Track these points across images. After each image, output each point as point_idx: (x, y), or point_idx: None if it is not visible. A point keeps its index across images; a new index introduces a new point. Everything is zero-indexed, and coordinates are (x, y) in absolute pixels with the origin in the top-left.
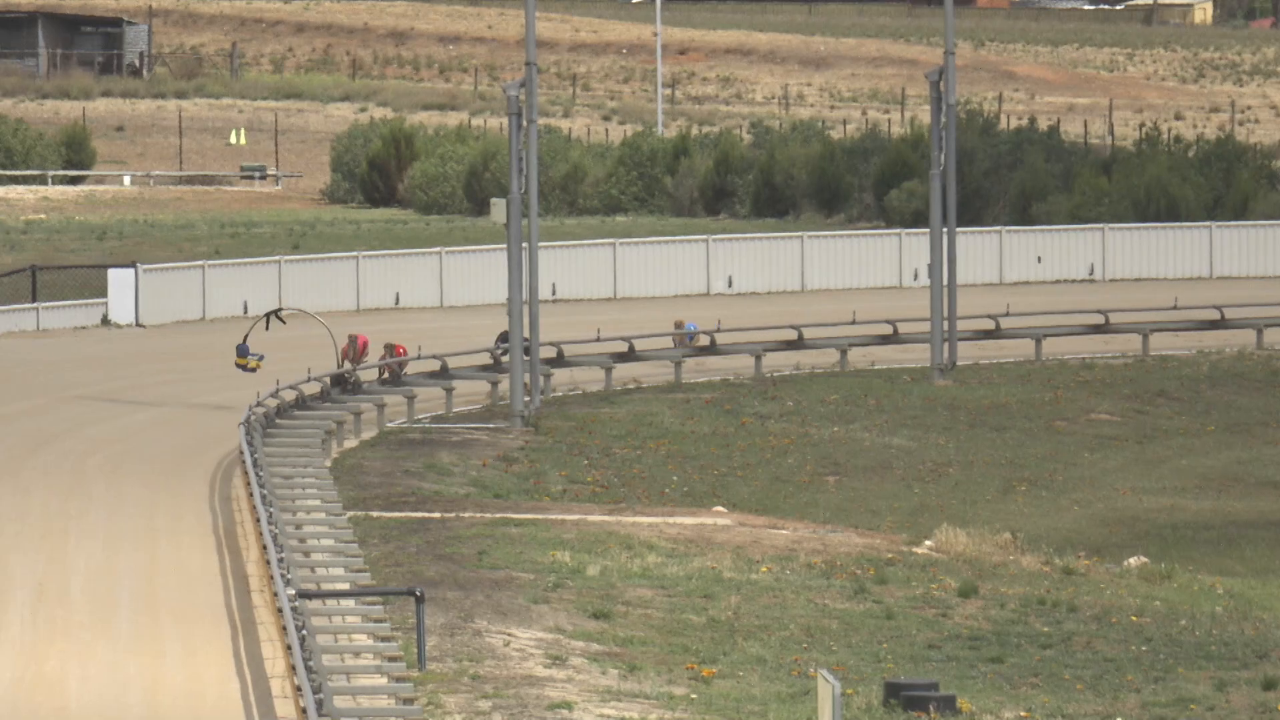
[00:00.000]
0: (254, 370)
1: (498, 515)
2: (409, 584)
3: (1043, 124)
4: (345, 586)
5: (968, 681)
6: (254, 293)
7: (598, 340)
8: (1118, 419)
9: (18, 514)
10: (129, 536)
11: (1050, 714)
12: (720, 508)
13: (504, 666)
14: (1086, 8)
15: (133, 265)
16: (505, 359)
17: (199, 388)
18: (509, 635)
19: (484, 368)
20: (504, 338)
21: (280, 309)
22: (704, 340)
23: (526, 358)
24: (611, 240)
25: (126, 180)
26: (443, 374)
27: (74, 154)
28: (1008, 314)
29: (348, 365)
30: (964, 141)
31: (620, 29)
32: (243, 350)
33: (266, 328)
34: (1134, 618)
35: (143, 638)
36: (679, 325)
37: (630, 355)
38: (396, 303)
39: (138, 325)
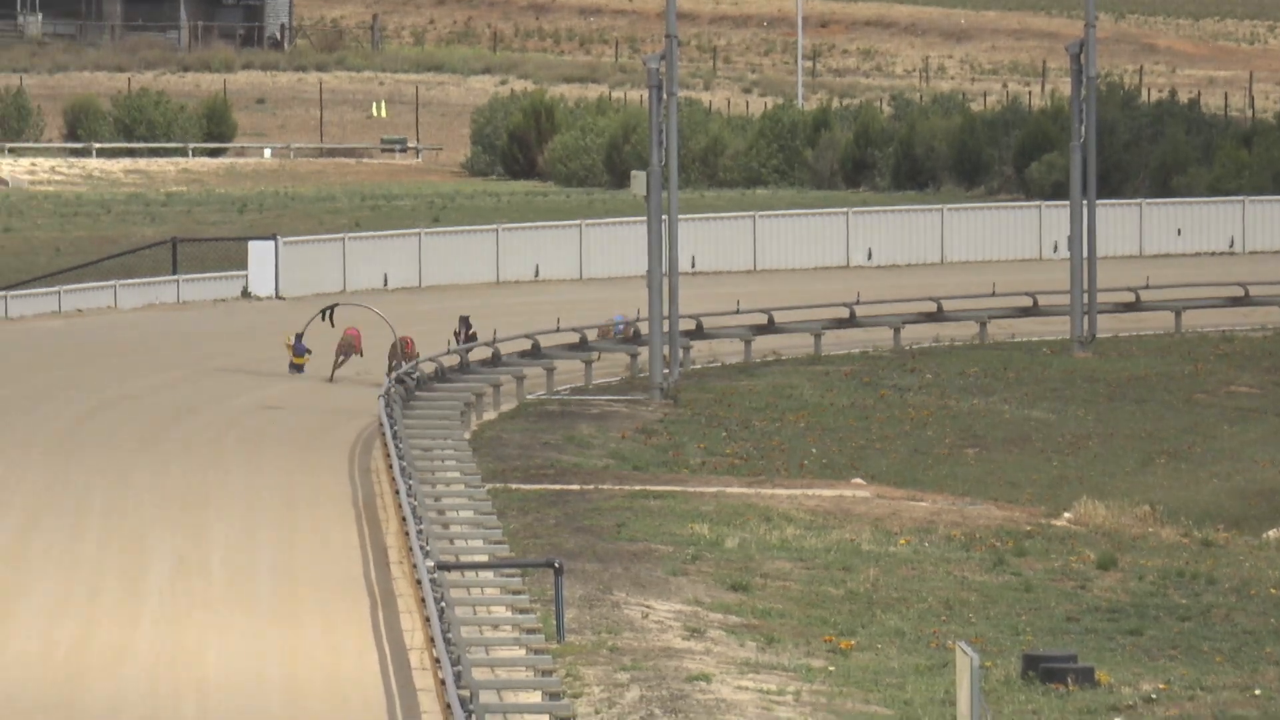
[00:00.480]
0: (299, 368)
1: (636, 487)
2: (548, 556)
3: (1183, 96)
4: (484, 558)
5: (1106, 654)
6: (394, 265)
7: (737, 312)
8: (1258, 391)
9: (157, 486)
10: (268, 508)
11: (1189, 686)
12: (859, 480)
13: (642, 638)
14: None
15: (273, 238)
16: (453, 343)
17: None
18: (647, 607)
19: (624, 340)
20: (466, 322)
21: (335, 305)
22: (631, 333)
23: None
24: (751, 213)
25: (267, 153)
26: (581, 346)
27: (215, 126)
28: (1147, 286)
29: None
30: (1104, 114)
31: (761, 1)
32: (299, 349)
33: (328, 321)
34: (1273, 590)
35: (281, 610)
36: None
37: (769, 327)
38: (536, 275)
39: (278, 298)
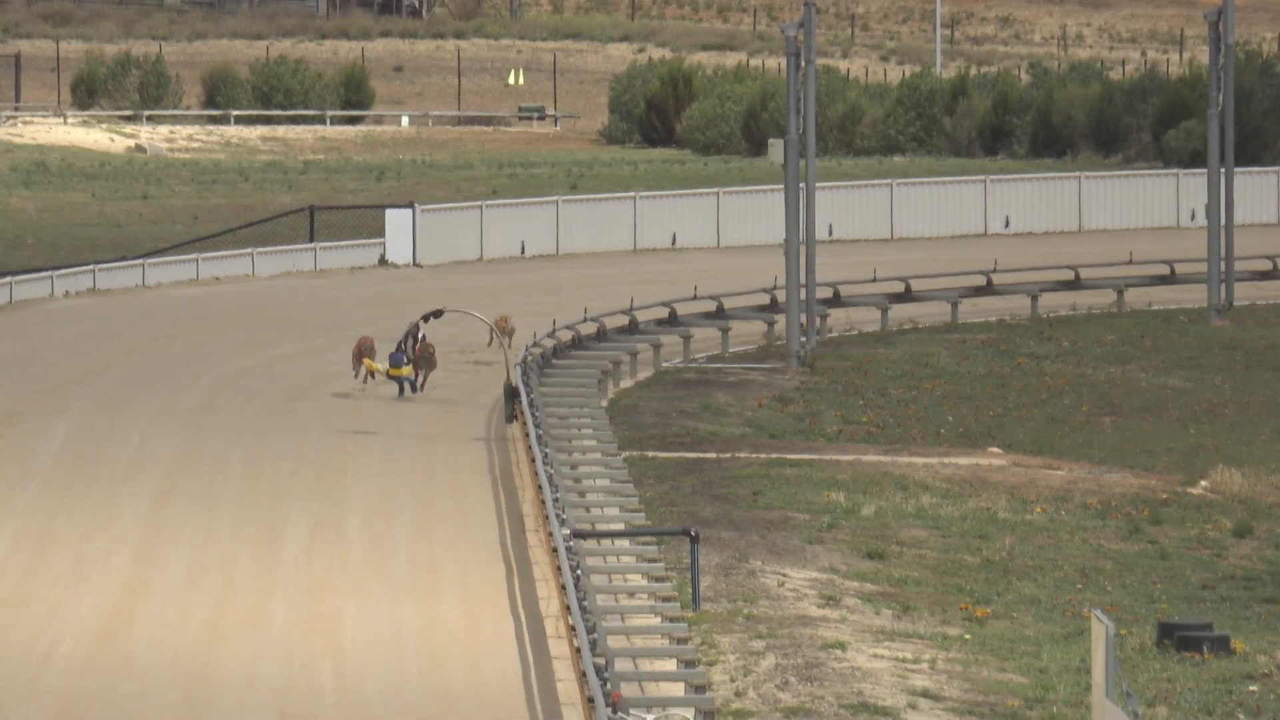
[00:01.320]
0: (400, 381)
1: (773, 455)
2: (684, 524)
3: None
4: (620, 526)
5: (1242, 622)
6: (531, 233)
7: (874, 281)
8: None
9: (295, 453)
10: (405, 475)
11: None
12: (995, 448)
13: (778, 607)
14: None
15: (410, 205)
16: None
17: (475, 327)
18: (783, 575)
19: (760, 308)
20: (435, 315)
21: (440, 310)
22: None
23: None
24: (888, 180)
25: (404, 121)
26: (719, 314)
27: (352, 94)
28: None
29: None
30: (1242, 81)
31: None
32: (397, 360)
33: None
34: None
35: (418, 577)
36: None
37: (906, 295)
38: (673, 243)
39: (415, 265)
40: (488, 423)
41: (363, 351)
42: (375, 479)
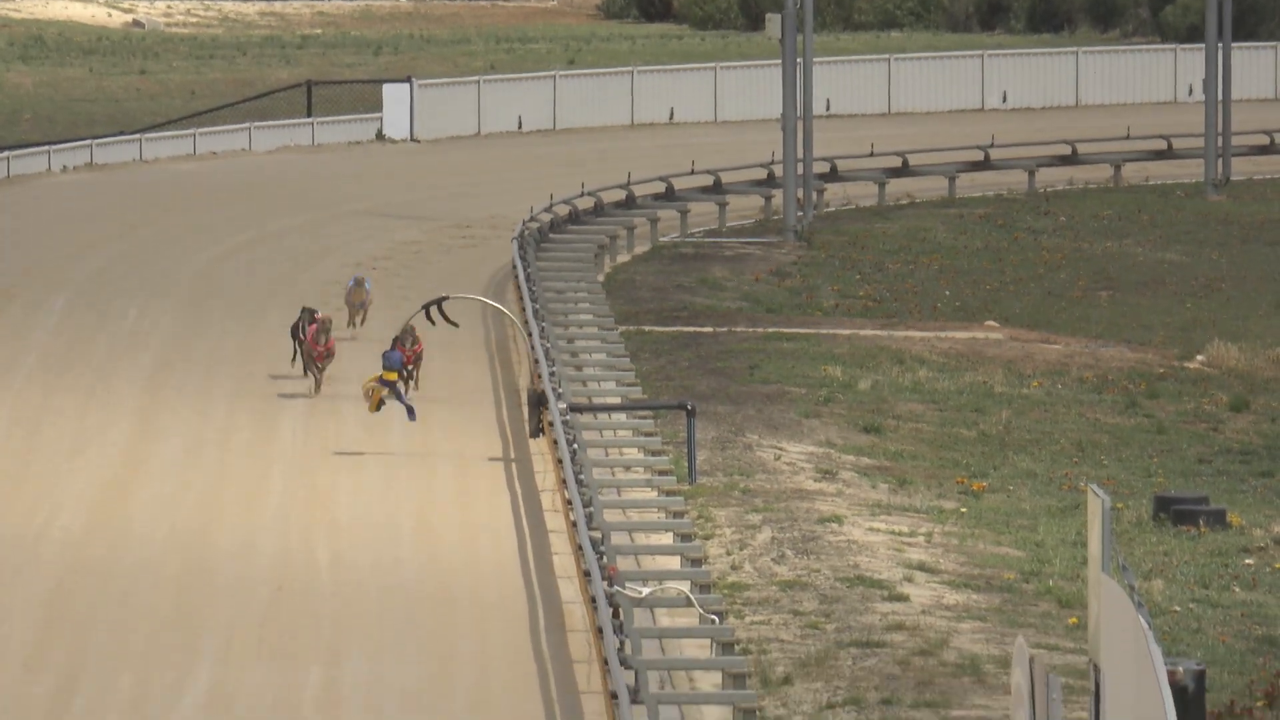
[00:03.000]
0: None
1: (769, 330)
2: (680, 398)
3: None
4: (616, 400)
5: (1238, 496)
6: (528, 109)
7: (871, 155)
8: None
9: (276, 338)
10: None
11: None
12: (992, 322)
13: (774, 480)
14: None
15: (408, 80)
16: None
17: (472, 203)
18: (779, 449)
19: (757, 183)
20: (310, 313)
21: (444, 297)
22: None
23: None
24: (886, 55)
25: None
26: (715, 189)
27: None
28: None
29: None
30: None
31: None
32: (394, 361)
33: (430, 321)
34: None
35: (413, 451)
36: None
37: (904, 170)
38: (671, 118)
39: (412, 140)
40: (483, 297)
41: (317, 337)
42: (372, 353)
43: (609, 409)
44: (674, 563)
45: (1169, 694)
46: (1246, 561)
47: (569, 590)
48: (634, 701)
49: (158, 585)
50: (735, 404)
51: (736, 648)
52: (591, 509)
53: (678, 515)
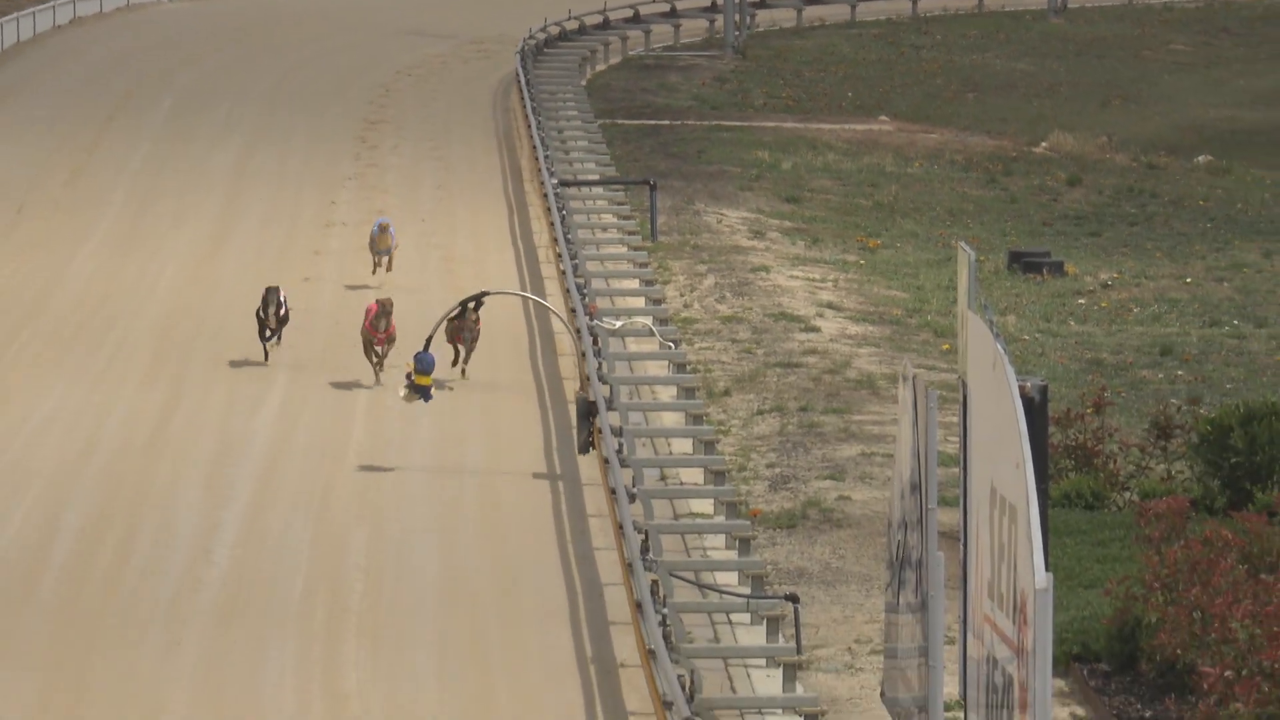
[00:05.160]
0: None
1: (713, 123)
2: (645, 175)
3: None
4: (595, 177)
5: (1073, 250)
6: None
7: None
8: (1191, 49)
9: (346, 117)
10: (429, 139)
11: (1136, 275)
12: (884, 117)
13: (717, 239)
14: None
15: None
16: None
17: (484, 24)
18: (721, 214)
19: (704, 9)
20: (274, 293)
21: (485, 292)
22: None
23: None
24: None
25: None
26: (672, 14)
27: None
28: None
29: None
30: None
31: None
32: (425, 363)
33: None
34: (1201, 202)
35: (440, 213)
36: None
37: (817, 0)
38: None
39: None
40: (494, 97)
41: (376, 322)
42: (407, 139)
43: (589, 183)
44: (640, 303)
45: (1020, 403)
46: (1079, 301)
47: (559, 323)
48: (609, 408)
49: (241, 322)
50: (687, 180)
51: (685, 368)
52: (576, 261)
53: (642, 266)
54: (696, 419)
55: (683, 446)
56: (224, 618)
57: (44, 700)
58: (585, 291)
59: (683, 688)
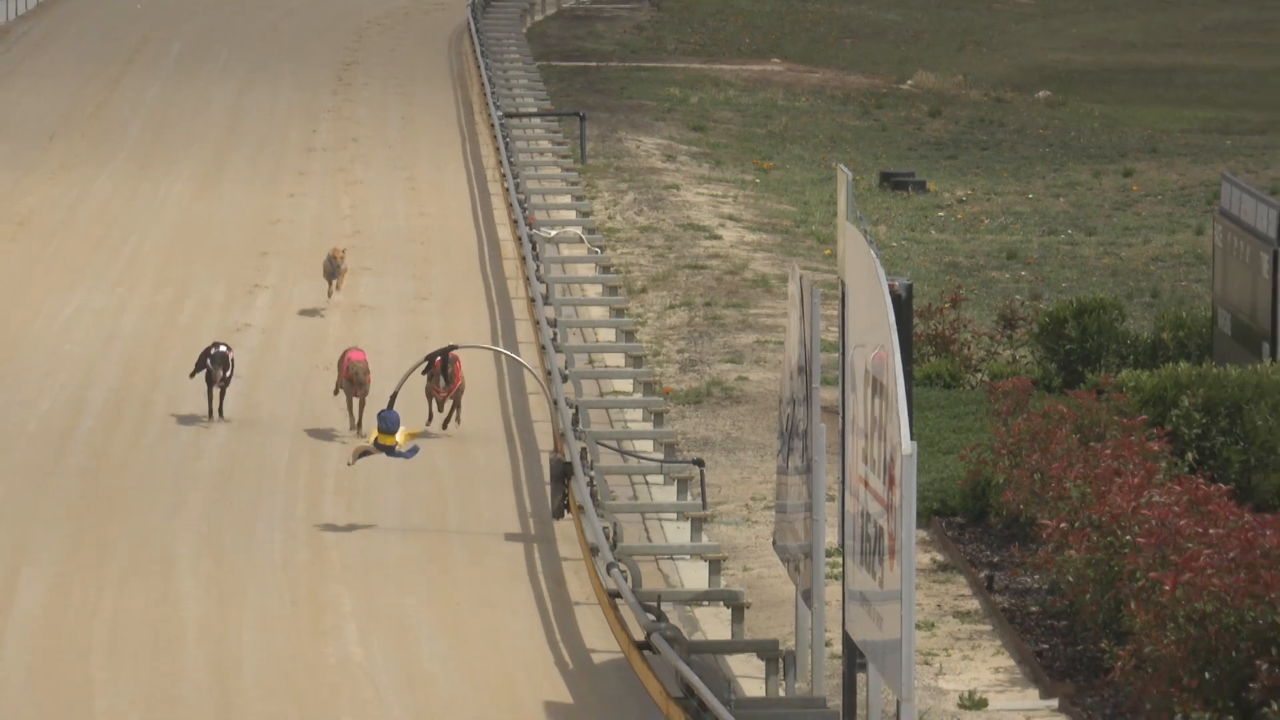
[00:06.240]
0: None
1: (633, 64)
2: (576, 108)
3: None
4: (534, 110)
5: (934, 171)
6: None
7: None
8: (1032, 2)
9: (328, 52)
10: (394, 78)
11: (986, 192)
12: (776, 59)
13: (636, 161)
14: None
15: None
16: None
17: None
18: (639, 141)
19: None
20: (221, 353)
21: (452, 346)
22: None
23: None
24: None
25: None
26: None
27: None
28: None
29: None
30: None
31: None
32: (390, 421)
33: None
34: (1041, 131)
35: (404, 139)
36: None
37: None
38: None
39: None
40: (449, 43)
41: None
42: (377, 76)
43: (528, 115)
44: (571, 214)
45: (889, 299)
46: (939, 214)
47: (505, 234)
48: (546, 303)
49: (239, 232)
50: (610, 112)
51: (610, 269)
52: (518, 179)
53: (573, 184)
54: (618, 312)
55: (607, 335)
56: (223, 480)
57: (72, 550)
58: (525, 205)
59: (607, 537)
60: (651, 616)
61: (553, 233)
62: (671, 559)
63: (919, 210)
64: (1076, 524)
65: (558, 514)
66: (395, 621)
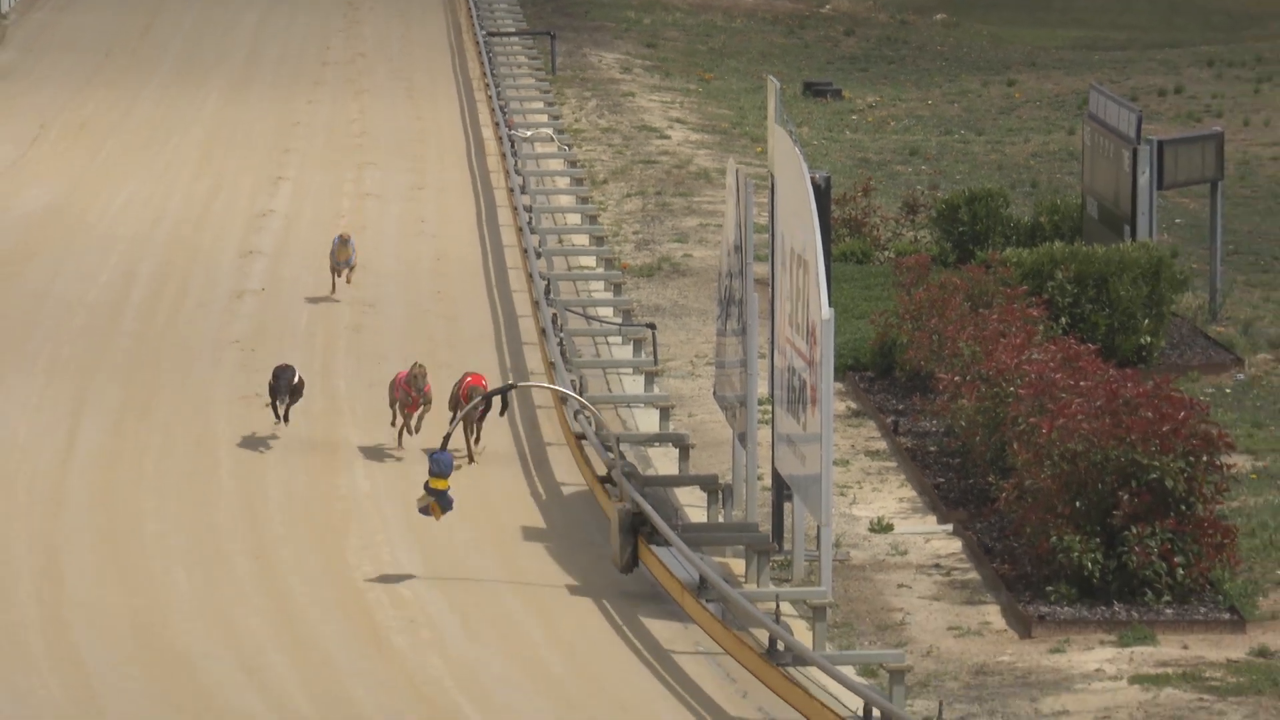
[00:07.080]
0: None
1: None
2: (547, 28)
3: None
4: (512, 29)
5: (850, 82)
6: None
7: None
8: None
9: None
10: (396, 17)
11: (892, 99)
12: None
13: (598, 73)
14: None
15: None
16: None
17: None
18: (601, 56)
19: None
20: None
21: (512, 385)
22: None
23: None
24: None
25: None
26: None
27: None
28: None
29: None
30: None
31: None
32: (442, 464)
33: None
34: (939, 48)
35: (403, 55)
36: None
37: None
38: None
39: None
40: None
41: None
42: (380, 14)
43: (508, 34)
44: (544, 118)
45: (811, 190)
46: (853, 117)
47: (488, 134)
48: (523, 192)
49: (263, 131)
50: (577, 31)
51: (576, 164)
52: (500, 88)
53: (545, 92)
54: (584, 200)
55: (574, 219)
56: (252, 340)
57: (124, 401)
58: (505, 110)
59: (574, 387)
60: (611, 455)
61: (528, 133)
62: (629, 407)
63: (836, 114)
64: (968, 377)
65: (627, 569)
66: (395, 460)
